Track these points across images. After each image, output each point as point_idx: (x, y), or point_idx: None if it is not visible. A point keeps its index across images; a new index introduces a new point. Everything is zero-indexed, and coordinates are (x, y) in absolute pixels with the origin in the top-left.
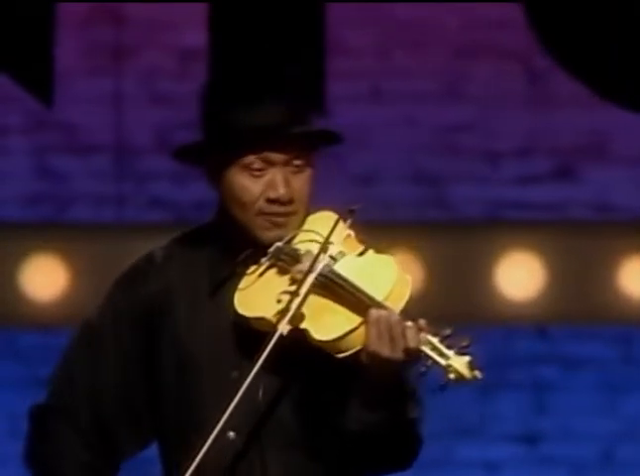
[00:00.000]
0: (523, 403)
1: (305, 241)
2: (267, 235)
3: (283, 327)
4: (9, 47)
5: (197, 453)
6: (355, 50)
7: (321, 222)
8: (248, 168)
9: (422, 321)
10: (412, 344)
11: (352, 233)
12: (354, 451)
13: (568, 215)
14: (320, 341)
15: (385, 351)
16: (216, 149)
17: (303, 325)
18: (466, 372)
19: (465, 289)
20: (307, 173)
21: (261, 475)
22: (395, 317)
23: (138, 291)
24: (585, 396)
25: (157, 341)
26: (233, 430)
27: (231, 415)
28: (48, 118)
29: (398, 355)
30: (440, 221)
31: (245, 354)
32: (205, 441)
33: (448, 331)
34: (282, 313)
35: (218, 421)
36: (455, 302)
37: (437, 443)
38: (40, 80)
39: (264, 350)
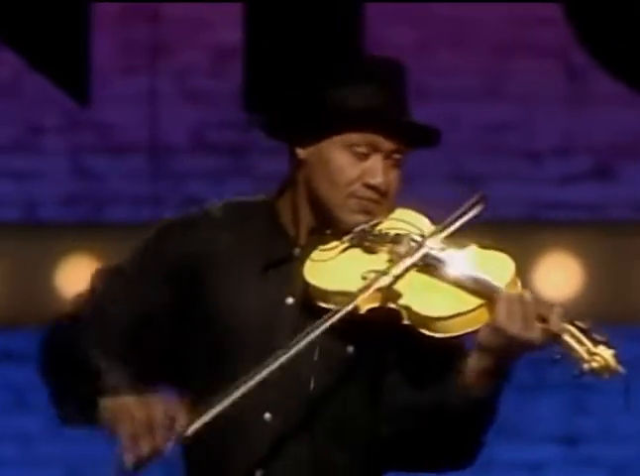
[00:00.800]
0: (563, 404)
1: (393, 228)
2: (355, 218)
3: (363, 303)
4: (44, 46)
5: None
6: (395, 48)
7: (405, 216)
8: (351, 148)
9: (559, 307)
10: (552, 325)
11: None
12: (434, 430)
13: (607, 215)
14: (425, 317)
15: (516, 329)
16: (322, 124)
17: (402, 302)
18: (612, 362)
19: None
20: (400, 171)
21: (292, 465)
22: (530, 296)
23: (186, 240)
24: (624, 396)
25: (194, 302)
26: (269, 412)
27: (270, 396)
28: (83, 118)
29: (532, 334)
30: (479, 221)
31: (295, 335)
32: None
33: (587, 324)
34: (370, 289)
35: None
36: None
37: None
38: (75, 80)
39: (325, 321)
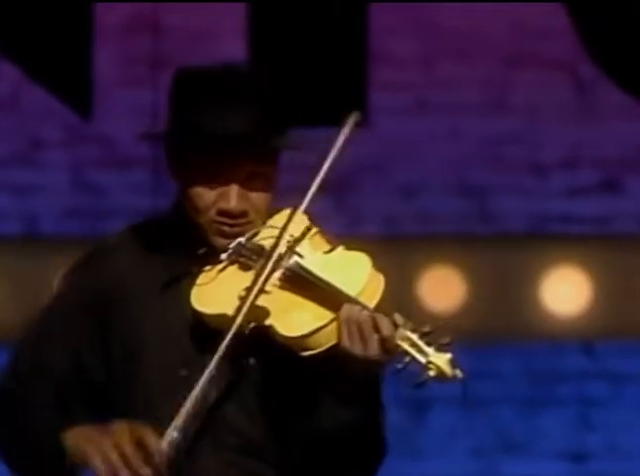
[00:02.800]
0: (570, 419)
1: (269, 237)
2: (219, 242)
3: (244, 323)
4: (45, 59)
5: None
6: (399, 60)
7: (282, 221)
8: (204, 173)
9: (398, 316)
10: (386, 341)
11: (318, 231)
12: (319, 455)
13: (614, 229)
14: (287, 338)
15: (358, 350)
16: (174, 148)
17: (268, 322)
18: (447, 369)
19: (509, 304)
20: (267, 181)
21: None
22: (366, 314)
23: (88, 277)
24: (632, 412)
25: (107, 331)
26: (178, 431)
27: (174, 413)
28: (85, 131)
29: (372, 352)
30: (484, 235)
31: (195, 353)
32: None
33: (427, 328)
34: (243, 309)
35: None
36: (499, 318)
37: (483, 459)
38: (77, 93)
39: (219, 346)
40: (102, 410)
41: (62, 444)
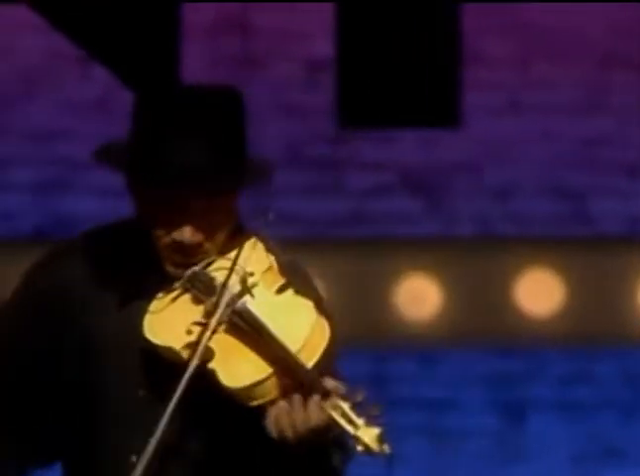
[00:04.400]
0: None
1: (223, 269)
2: (171, 270)
3: (193, 363)
4: (135, 61)
5: None
6: (493, 60)
7: (237, 252)
8: (158, 204)
9: (332, 384)
10: (314, 423)
11: (274, 264)
12: None
13: None
14: (227, 387)
15: (289, 434)
16: (131, 176)
17: (211, 365)
18: (374, 445)
19: (607, 307)
20: (224, 213)
21: None
22: (296, 400)
23: (43, 278)
24: None
25: (61, 332)
26: (136, 454)
27: (135, 439)
28: None
29: (303, 433)
30: (580, 237)
31: (153, 373)
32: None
33: (360, 397)
34: (191, 347)
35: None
36: (597, 321)
37: (583, 465)
38: None
39: (178, 386)
40: (55, 415)
41: None
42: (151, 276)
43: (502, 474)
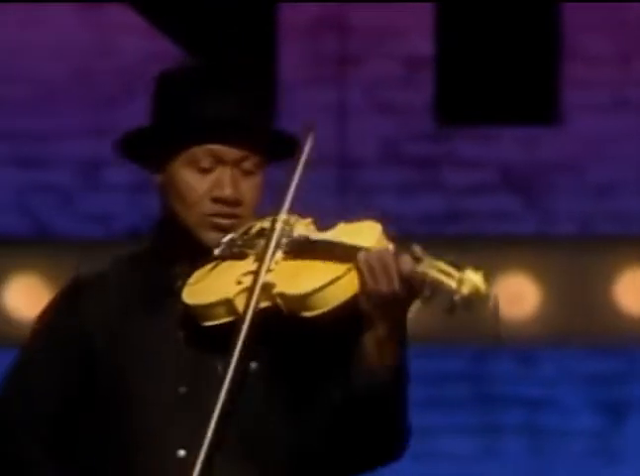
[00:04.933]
0: None
1: (260, 228)
2: (211, 236)
3: (254, 304)
4: (232, 60)
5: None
6: (593, 57)
7: (268, 218)
8: (194, 164)
9: (418, 248)
10: (412, 271)
11: (313, 221)
12: (341, 438)
13: None
14: (297, 297)
15: (383, 286)
16: (162, 140)
17: (275, 291)
18: (481, 284)
19: None
20: (256, 179)
21: None
22: (385, 250)
23: (63, 315)
24: None
25: (91, 366)
26: (183, 448)
27: (181, 434)
28: None
29: (397, 287)
30: None
31: (190, 368)
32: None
33: (450, 258)
34: (247, 290)
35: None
36: None
37: None
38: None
39: (237, 338)
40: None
41: None
42: (158, 284)
43: (601, 474)
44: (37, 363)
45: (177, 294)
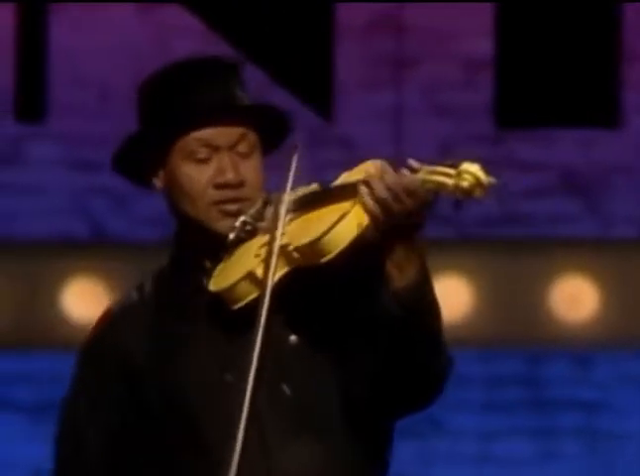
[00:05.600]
0: None
1: (266, 203)
2: (223, 224)
3: (273, 268)
4: (288, 61)
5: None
6: None
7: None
8: (191, 156)
9: (411, 160)
10: (407, 181)
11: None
12: (390, 374)
13: None
14: (310, 244)
15: (391, 206)
16: (153, 139)
17: (291, 247)
18: (481, 174)
19: None
20: (255, 160)
21: (266, 467)
22: (382, 172)
23: (104, 349)
24: None
25: (137, 392)
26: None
27: (235, 422)
28: (327, 133)
29: (404, 202)
30: None
31: (231, 354)
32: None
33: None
34: (266, 260)
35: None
36: None
37: None
38: (319, 95)
39: (261, 305)
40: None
41: None
42: (183, 287)
43: None
44: (85, 409)
45: (206, 292)
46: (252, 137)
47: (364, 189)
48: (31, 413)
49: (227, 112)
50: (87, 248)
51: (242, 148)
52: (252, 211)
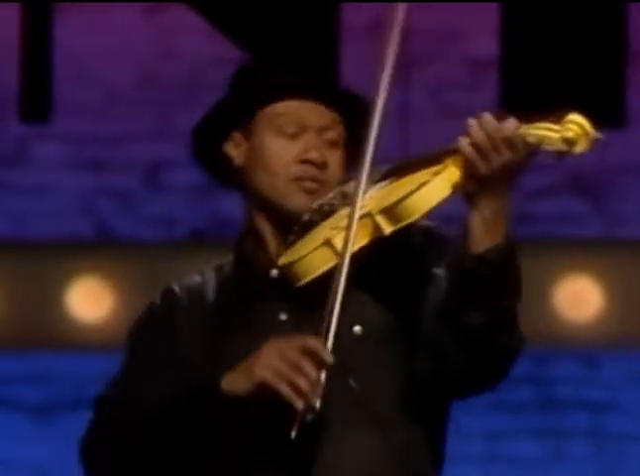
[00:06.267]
0: None
1: (345, 192)
2: (300, 200)
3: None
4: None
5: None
6: None
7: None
8: (281, 131)
9: (512, 119)
10: (510, 130)
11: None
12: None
13: None
14: (401, 200)
15: (492, 157)
16: (245, 113)
17: (375, 211)
18: (586, 124)
19: None
20: (339, 152)
21: (325, 459)
22: (485, 122)
23: (157, 314)
24: None
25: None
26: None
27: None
28: None
29: (505, 155)
30: None
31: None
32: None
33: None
34: (343, 230)
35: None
36: None
37: None
38: None
39: (339, 273)
40: None
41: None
42: (248, 281)
43: None
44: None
45: (276, 281)
46: (340, 129)
47: (464, 144)
48: (35, 412)
49: (322, 89)
50: (93, 248)
51: (330, 134)
52: (329, 198)
